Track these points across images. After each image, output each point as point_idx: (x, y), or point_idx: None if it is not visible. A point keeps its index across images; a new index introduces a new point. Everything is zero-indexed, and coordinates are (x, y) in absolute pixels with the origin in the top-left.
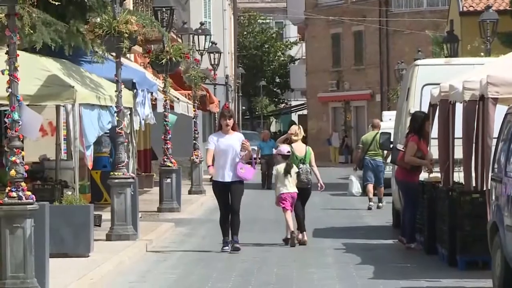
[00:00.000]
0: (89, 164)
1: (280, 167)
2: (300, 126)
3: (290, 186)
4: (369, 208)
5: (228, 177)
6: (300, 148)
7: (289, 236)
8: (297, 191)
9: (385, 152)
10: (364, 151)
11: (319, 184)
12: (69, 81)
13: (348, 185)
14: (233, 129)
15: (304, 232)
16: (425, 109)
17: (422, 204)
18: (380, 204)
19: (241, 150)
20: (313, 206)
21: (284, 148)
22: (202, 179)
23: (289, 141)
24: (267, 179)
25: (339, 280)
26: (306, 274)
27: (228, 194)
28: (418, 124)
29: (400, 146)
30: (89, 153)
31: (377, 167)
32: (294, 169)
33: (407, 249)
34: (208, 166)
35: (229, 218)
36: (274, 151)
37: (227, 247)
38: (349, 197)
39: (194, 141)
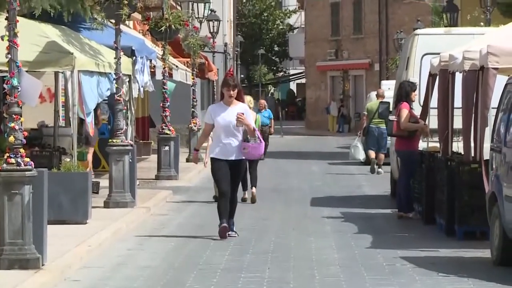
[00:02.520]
0: (91, 131)
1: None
2: (251, 98)
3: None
4: (372, 172)
5: (231, 155)
6: (252, 115)
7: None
8: None
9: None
10: (369, 119)
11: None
12: (68, 48)
13: (352, 150)
14: (238, 99)
15: (254, 187)
16: (424, 79)
17: (420, 173)
18: (380, 170)
19: (236, 125)
20: (311, 175)
21: None
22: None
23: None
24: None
25: (337, 249)
26: (305, 243)
27: (228, 173)
28: (406, 92)
29: (392, 117)
30: (90, 120)
31: (382, 134)
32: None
33: (400, 218)
34: (194, 149)
35: (228, 201)
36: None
37: (234, 234)
38: (347, 166)
39: (193, 109)
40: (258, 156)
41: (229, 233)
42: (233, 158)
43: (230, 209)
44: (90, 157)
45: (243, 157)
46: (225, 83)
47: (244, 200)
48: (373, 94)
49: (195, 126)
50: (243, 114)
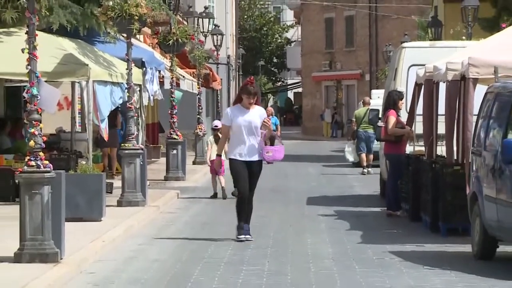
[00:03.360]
0: (105, 136)
1: (211, 138)
2: None
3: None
4: (363, 174)
5: (249, 156)
6: None
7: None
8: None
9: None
10: (358, 124)
11: None
12: (83, 60)
13: (346, 154)
14: (255, 103)
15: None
16: (410, 88)
17: (407, 175)
18: (370, 169)
19: (261, 128)
20: (307, 176)
21: (216, 123)
22: (205, 150)
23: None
24: None
25: (331, 244)
26: (301, 238)
27: (246, 173)
28: (393, 100)
29: (380, 123)
30: (104, 126)
31: (369, 138)
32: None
33: (389, 216)
34: (217, 155)
35: (246, 201)
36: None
37: (242, 236)
38: (340, 168)
39: (198, 116)
40: (279, 159)
41: (246, 236)
42: (252, 158)
43: (248, 209)
44: (114, 154)
45: (261, 159)
46: (246, 90)
47: (234, 195)
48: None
49: (200, 131)
50: (269, 119)
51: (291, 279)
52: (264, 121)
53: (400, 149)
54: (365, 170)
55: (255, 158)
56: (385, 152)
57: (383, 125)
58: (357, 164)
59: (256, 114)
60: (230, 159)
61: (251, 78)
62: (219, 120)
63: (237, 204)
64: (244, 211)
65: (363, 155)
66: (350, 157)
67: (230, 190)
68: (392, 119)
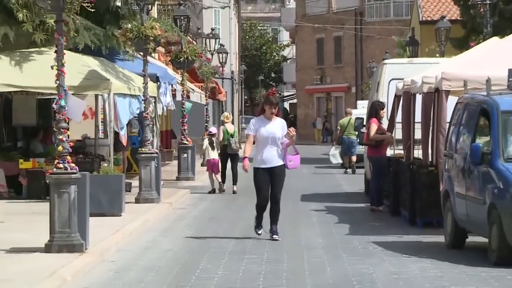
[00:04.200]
0: (124, 142)
1: (206, 141)
2: (230, 113)
3: (213, 154)
4: (345, 173)
5: (271, 163)
6: (230, 127)
7: (216, 187)
8: (217, 158)
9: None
10: (342, 131)
11: (236, 147)
12: (105, 75)
13: (331, 157)
14: (276, 114)
15: (235, 185)
16: (391, 99)
17: (388, 175)
18: (349, 170)
19: (285, 136)
20: (301, 176)
21: (212, 129)
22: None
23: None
24: None
25: (322, 236)
26: (296, 231)
27: (269, 182)
28: (375, 110)
29: (363, 130)
30: (123, 133)
31: (351, 143)
32: (216, 143)
33: (372, 211)
34: (244, 158)
35: (266, 207)
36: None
37: (260, 231)
38: (330, 169)
39: (206, 124)
40: (298, 166)
41: (273, 236)
42: (274, 165)
43: (274, 214)
44: (124, 157)
45: (282, 163)
46: (268, 101)
47: (234, 192)
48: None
49: (207, 138)
50: (294, 130)
51: (287, 266)
52: (289, 130)
53: (381, 152)
54: (348, 170)
55: (276, 163)
56: (368, 155)
57: (366, 131)
58: (343, 165)
59: (278, 125)
60: (255, 168)
61: (273, 89)
62: (214, 127)
63: (257, 212)
64: (261, 217)
65: (346, 158)
66: (334, 160)
67: (227, 186)
68: (373, 126)
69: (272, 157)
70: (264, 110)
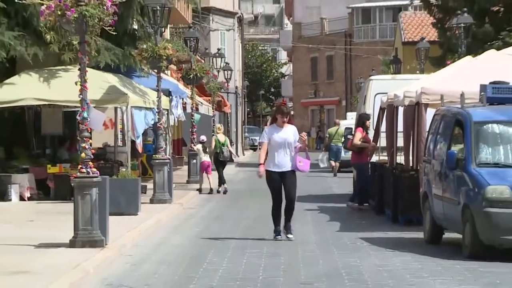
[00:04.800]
0: (140, 149)
1: (199, 146)
2: (221, 125)
3: (205, 157)
4: (335, 175)
5: (283, 167)
6: (221, 137)
7: (212, 187)
8: (209, 160)
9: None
10: (330, 139)
11: (233, 154)
12: (123, 90)
13: (320, 162)
14: (288, 122)
15: (225, 184)
16: (376, 111)
17: (373, 179)
18: (337, 174)
19: (298, 141)
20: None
21: (203, 137)
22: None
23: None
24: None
25: (315, 233)
26: (292, 224)
27: (281, 184)
28: (362, 121)
29: (350, 136)
30: (139, 141)
31: (338, 150)
32: (210, 149)
33: (359, 210)
34: (259, 164)
35: (281, 208)
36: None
37: (279, 236)
38: (321, 172)
39: (213, 134)
40: (307, 171)
41: (288, 236)
42: (285, 169)
43: (289, 212)
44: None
45: (293, 169)
46: (280, 111)
47: (218, 192)
48: (341, 122)
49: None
50: (306, 135)
51: (284, 259)
52: (301, 135)
53: (363, 159)
54: (335, 174)
55: (288, 168)
56: (352, 161)
57: (351, 138)
58: (329, 170)
59: (289, 132)
60: (267, 171)
61: (284, 100)
62: (204, 135)
63: (272, 211)
64: (279, 217)
65: (333, 162)
66: (321, 164)
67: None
68: (358, 135)
69: (285, 162)
70: (276, 119)
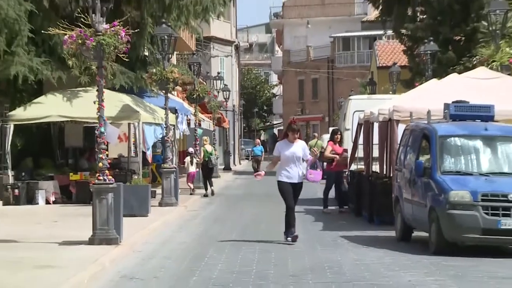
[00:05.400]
0: (150, 159)
1: (187, 158)
2: (208, 137)
3: (192, 168)
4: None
5: (294, 179)
6: (208, 148)
7: (208, 192)
8: (195, 170)
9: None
10: (310, 149)
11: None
12: (136, 108)
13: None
14: (298, 137)
15: (213, 187)
16: (355, 126)
17: (352, 185)
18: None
19: (309, 155)
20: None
21: (191, 150)
22: (218, 168)
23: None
24: (257, 170)
25: (301, 231)
26: (282, 228)
27: (292, 191)
28: (332, 135)
29: (322, 150)
30: (149, 153)
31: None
32: (194, 160)
33: (340, 212)
34: (263, 171)
35: (293, 210)
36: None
37: (289, 238)
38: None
39: (213, 146)
40: (318, 181)
41: (291, 236)
42: (295, 181)
43: (292, 218)
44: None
45: (301, 181)
46: (291, 128)
47: (206, 195)
48: (324, 136)
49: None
50: (316, 150)
51: (274, 255)
52: (312, 150)
53: (331, 168)
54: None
55: (297, 180)
56: (325, 169)
57: (323, 151)
58: None
59: (299, 147)
60: (279, 181)
61: (294, 118)
62: (192, 148)
63: (286, 216)
64: (293, 220)
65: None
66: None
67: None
68: (328, 148)
69: (295, 174)
70: (287, 135)
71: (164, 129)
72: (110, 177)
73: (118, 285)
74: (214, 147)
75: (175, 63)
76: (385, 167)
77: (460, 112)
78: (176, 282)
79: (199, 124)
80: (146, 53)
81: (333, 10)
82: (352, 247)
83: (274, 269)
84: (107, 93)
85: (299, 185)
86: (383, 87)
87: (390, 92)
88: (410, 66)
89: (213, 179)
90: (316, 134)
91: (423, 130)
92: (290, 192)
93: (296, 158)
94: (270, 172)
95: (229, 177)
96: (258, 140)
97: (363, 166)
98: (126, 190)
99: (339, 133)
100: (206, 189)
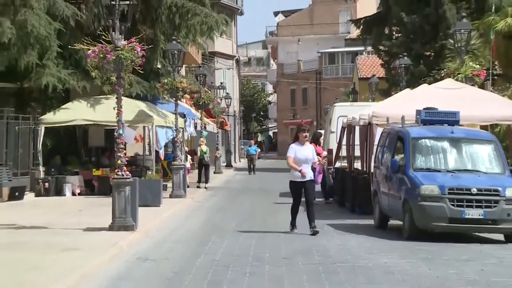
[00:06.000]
0: (162, 157)
1: (183, 156)
2: (204, 139)
3: (187, 164)
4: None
5: (303, 178)
6: (204, 148)
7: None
8: (190, 165)
9: None
10: None
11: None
12: (150, 113)
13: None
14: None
15: (206, 184)
16: (339, 129)
17: (336, 180)
18: None
19: (318, 161)
20: (279, 179)
21: (186, 149)
22: (221, 165)
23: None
24: (253, 169)
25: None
26: (275, 216)
27: (301, 191)
28: (316, 138)
29: None
30: (161, 152)
31: None
32: (189, 157)
33: (326, 203)
34: (300, 170)
35: (298, 210)
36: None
37: (295, 229)
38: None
39: (217, 146)
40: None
41: (315, 229)
42: (306, 179)
43: (311, 214)
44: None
45: (312, 179)
46: (302, 129)
47: (198, 187)
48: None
49: (218, 155)
50: (324, 157)
51: (269, 240)
52: (319, 157)
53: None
54: None
55: (308, 178)
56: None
57: None
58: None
59: (309, 149)
60: (291, 181)
61: (302, 121)
62: (187, 147)
63: (291, 209)
64: (296, 215)
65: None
66: None
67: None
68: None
69: (306, 173)
70: (298, 137)
71: (174, 131)
72: (128, 172)
73: (134, 265)
74: (228, 149)
75: (184, 75)
76: (365, 164)
77: (430, 118)
78: (185, 263)
79: (205, 127)
80: (159, 66)
81: (321, 29)
82: (337, 234)
83: (269, 253)
84: (125, 100)
85: (308, 184)
86: (364, 96)
87: (370, 100)
88: (387, 78)
89: (216, 174)
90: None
91: (398, 133)
92: (300, 192)
93: (308, 160)
94: (263, 169)
95: (230, 173)
96: (252, 141)
97: (346, 164)
98: (141, 184)
99: (320, 136)
100: (200, 181)
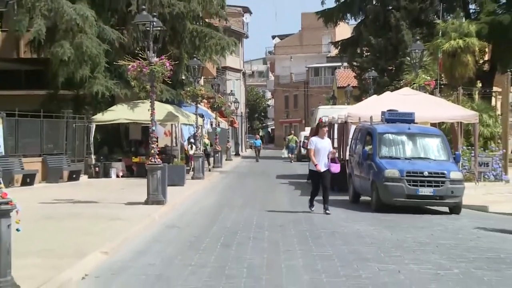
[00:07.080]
0: (186, 148)
1: (188, 146)
2: (207, 134)
3: (191, 152)
4: (290, 162)
5: (322, 168)
6: (207, 141)
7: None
8: (193, 154)
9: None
10: (288, 142)
11: (210, 150)
12: (176, 114)
13: (282, 154)
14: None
15: (210, 166)
16: None
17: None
18: (293, 161)
19: (333, 153)
20: (276, 165)
21: (192, 140)
22: (231, 154)
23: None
24: (258, 156)
25: (286, 197)
26: (273, 197)
27: (319, 178)
28: (317, 129)
29: (305, 140)
30: (185, 143)
31: (292, 148)
32: (193, 147)
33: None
34: (315, 165)
35: (317, 193)
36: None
37: (312, 207)
38: (285, 159)
39: (228, 139)
40: (338, 171)
41: (327, 211)
42: (324, 169)
43: (326, 197)
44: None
45: (327, 168)
46: (322, 126)
47: (209, 170)
48: (302, 133)
49: (229, 146)
50: (335, 151)
51: (268, 213)
52: (332, 151)
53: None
54: (291, 161)
55: (325, 168)
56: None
57: (306, 141)
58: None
59: (328, 142)
60: (310, 170)
61: (320, 119)
62: (192, 138)
63: (311, 195)
64: (314, 198)
65: (290, 155)
66: (283, 155)
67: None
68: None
69: (322, 164)
70: (318, 131)
71: (195, 128)
72: (159, 160)
73: (164, 230)
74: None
75: (202, 84)
76: (342, 153)
77: (392, 117)
78: (203, 229)
79: (218, 125)
80: (183, 77)
81: (308, 49)
82: (320, 207)
83: (268, 222)
84: (157, 104)
85: (325, 172)
86: (341, 100)
87: (346, 104)
88: (359, 87)
89: (227, 161)
90: (292, 132)
91: (367, 129)
92: (318, 181)
93: (327, 151)
94: (263, 157)
95: (239, 160)
96: (257, 135)
97: None
98: (169, 168)
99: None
100: (209, 165)
